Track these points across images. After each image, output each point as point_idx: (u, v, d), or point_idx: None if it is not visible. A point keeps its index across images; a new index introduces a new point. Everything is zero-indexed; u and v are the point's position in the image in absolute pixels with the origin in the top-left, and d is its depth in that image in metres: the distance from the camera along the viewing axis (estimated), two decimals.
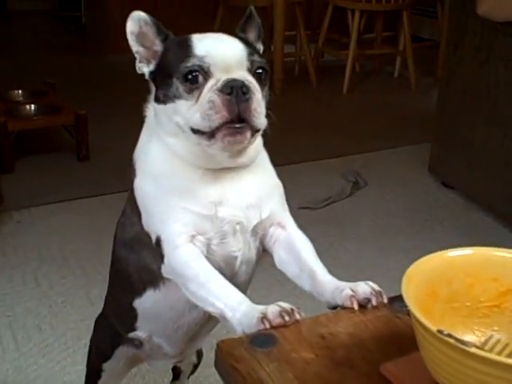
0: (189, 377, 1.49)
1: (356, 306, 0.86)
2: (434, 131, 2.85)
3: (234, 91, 0.86)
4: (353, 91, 4.25)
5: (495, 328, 0.76)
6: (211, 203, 0.92)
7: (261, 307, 0.84)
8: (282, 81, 4.17)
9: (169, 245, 0.92)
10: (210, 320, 0.97)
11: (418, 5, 5.04)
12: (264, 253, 1.03)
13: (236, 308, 0.85)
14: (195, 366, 1.45)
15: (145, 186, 0.96)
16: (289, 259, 0.97)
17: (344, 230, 2.48)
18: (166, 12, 4.98)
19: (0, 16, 6.36)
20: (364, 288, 0.87)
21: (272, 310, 0.82)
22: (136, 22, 0.93)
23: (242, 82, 0.87)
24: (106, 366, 1.21)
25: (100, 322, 1.23)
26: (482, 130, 2.52)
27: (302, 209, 2.61)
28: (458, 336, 0.76)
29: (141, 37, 0.94)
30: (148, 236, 0.96)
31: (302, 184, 2.85)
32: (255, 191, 0.95)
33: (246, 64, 0.90)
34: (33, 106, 3.10)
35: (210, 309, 0.89)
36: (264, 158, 1.00)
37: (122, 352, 1.18)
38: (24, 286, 2.07)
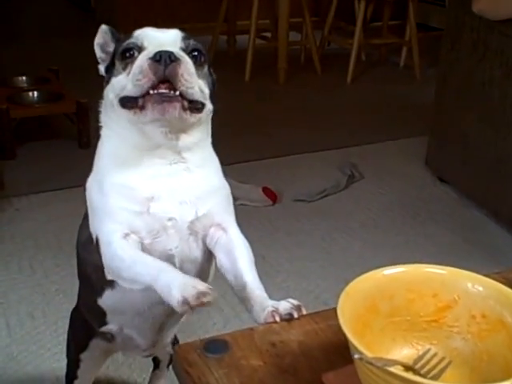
0: (168, 366, 1.54)
1: (278, 319, 0.89)
2: (431, 125, 2.86)
3: (163, 58, 0.89)
4: (357, 81, 4.25)
5: (433, 342, 0.79)
6: (145, 199, 0.94)
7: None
8: (287, 70, 4.18)
9: (103, 243, 0.95)
10: (174, 311, 1.00)
11: None
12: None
13: (160, 275, 0.87)
14: (172, 356, 1.50)
15: (91, 187, 1.00)
16: (226, 265, 0.99)
17: (336, 223, 2.50)
18: None
19: None
20: (285, 305, 0.90)
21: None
22: (102, 34, 1.03)
23: (172, 52, 0.90)
24: (82, 356, 1.28)
25: (75, 315, 1.28)
26: (476, 126, 2.53)
27: (296, 201, 2.65)
28: (397, 349, 0.80)
29: (103, 45, 1.03)
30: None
31: (299, 176, 2.88)
32: (191, 189, 0.97)
33: (179, 44, 0.95)
34: (35, 93, 3.14)
35: (147, 279, 0.89)
36: (210, 158, 1.02)
37: (97, 344, 1.23)
38: (19, 274, 2.13)
